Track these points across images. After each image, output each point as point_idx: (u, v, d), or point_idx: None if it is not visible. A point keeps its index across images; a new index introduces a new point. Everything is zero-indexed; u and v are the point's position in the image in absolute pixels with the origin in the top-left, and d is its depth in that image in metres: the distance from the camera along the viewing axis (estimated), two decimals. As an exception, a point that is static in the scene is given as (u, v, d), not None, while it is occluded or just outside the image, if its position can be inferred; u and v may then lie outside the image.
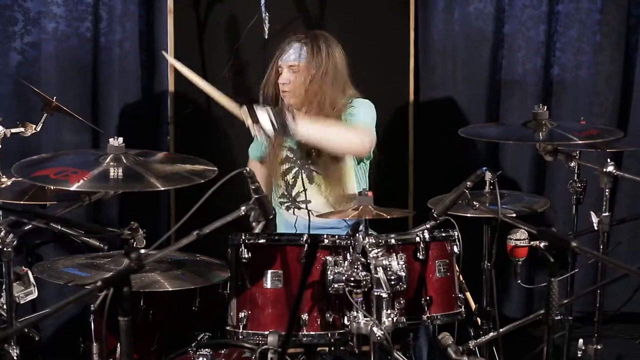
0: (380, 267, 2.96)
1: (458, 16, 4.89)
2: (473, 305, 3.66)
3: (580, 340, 3.37)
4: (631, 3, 4.93)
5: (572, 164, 3.51)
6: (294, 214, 3.86)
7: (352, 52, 3.94)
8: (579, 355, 3.37)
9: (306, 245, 3.06)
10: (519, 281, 3.51)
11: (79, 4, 4.53)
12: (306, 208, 3.82)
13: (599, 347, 3.28)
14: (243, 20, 4.54)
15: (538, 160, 4.96)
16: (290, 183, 3.87)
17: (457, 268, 3.31)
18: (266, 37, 4.31)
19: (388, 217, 3.11)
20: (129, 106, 4.64)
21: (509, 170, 4.94)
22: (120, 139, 2.99)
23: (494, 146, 4.82)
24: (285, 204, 3.89)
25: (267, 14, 4.30)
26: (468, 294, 3.65)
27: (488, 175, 3.36)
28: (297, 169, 3.86)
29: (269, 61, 4.32)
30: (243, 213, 2.93)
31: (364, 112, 3.80)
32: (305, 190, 3.82)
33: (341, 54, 3.84)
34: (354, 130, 3.69)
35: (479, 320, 3.63)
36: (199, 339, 3.29)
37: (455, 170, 4.86)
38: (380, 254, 2.99)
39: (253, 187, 2.93)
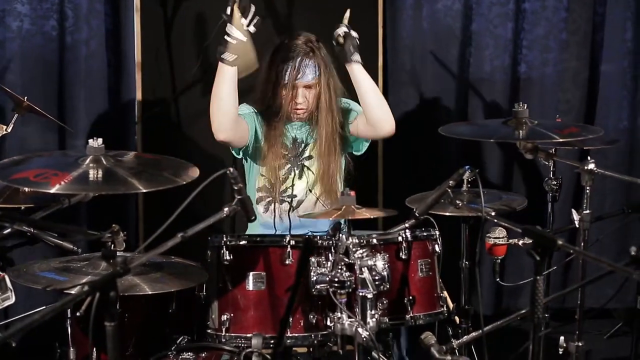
0: (366, 268, 2.95)
1: (426, 13, 4.88)
2: (451, 304, 3.67)
3: (562, 338, 3.39)
4: (596, 1, 4.96)
5: (551, 162, 3.52)
6: (273, 211, 3.81)
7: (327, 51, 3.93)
8: (560, 352, 3.39)
9: (291, 246, 3.03)
10: (497, 279, 3.52)
11: (43, 2, 4.46)
12: (290, 202, 3.80)
13: (580, 344, 3.30)
14: (211, 19, 4.47)
15: (509, 158, 5.00)
16: (280, 179, 3.83)
17: (437, 267, 3.32)
18: (237, 35, 4.27)
19: (371, 217, 3.09)
20: (95, 106, 4.58)
21: (481, 168, 4.94)
22: (100, 140, 2.93)
23: (465, 144, 4.83)
24: (266, 199, 3.84)
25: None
26: (446, 293, 3.66)
27: (466, 174, 3.34)
28: (289, 165, 3.84)
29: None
30: (226, 214, 2.89)
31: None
32: (293, 185, 3.80)
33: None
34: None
35: (457, 319, 3.63)
36: (178, 342, 3.24)
37: (425, 168, 4.89)
38: (365, 254, 2.97)
39: (236, 188, 2.90)
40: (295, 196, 3.82)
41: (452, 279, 3.65)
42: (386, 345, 3.45)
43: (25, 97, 3.63)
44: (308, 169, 3.83)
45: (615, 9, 4.94)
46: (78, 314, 2.60)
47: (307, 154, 3.84)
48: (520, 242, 3.42)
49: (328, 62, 3.79)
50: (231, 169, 2.88)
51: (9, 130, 3.55)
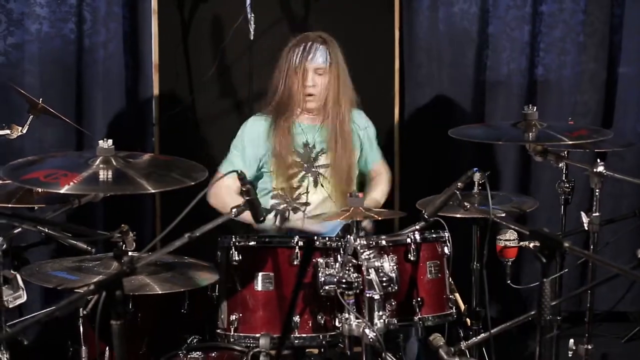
0: (373, 269, 2.95)
1: (443, 16, 4.89)
2: (462, 306, 3.66)
3: (571, 341, 3.38)
4: (614, 4, 4.94)
5: (561, 165, 3.51)
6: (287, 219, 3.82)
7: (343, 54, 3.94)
8: (570, 355, 3.38)
9: (299, 246, 3.05)
10: (508, 282, 3.52)
11: (62, 5, 4.50)
12: (303, 211, 3.79)
13: (589, 347, 3.29)
14: (228, 21, 4.53)
15: (523, 161, 4.98)
16: (295, 187, 3.84)
17: (446, 269, 3.31)
18: (252, 37, 4.31)
19: (379, 218, 3.10)
20: (113, 107, 4.62)
21: (495, 170, 4.95)
22: (110, 141, 2.95)
23: (480, 146, 4.82)
24: (278, 206, 3.85)
25: (252, 15, 4.29)
26: (457, 295, 3.66)
27: (476, 176, 3.34)
28: (303, 172, 3.84)
29: (254, 62, 4.35)
30: (234, 215, 2.92)
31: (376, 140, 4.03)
32: (307, 192, 3.81)
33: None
34: (387, 181, 4.04)
35: (468, 321, 3.62)
36: (188, 341, 3.27)
37: (440, 170, 4.90)
38: (372, 255, 2.98)
39: (244, 189, 2.92)
40: (309, 204, 3.81)
41: (464, 281, 3.65)
42: (396, 347, 3.45)
43: (40, 99, 3.67)
44: (324, 176, 3.83)
45: (633, 10, 4.92)
46: (84, 312, 2.63)
47: (322, 161, 3.84)
48: (531, 245, 3.39)
49: (340, 59, 3.80)
50: (239, 170, 2.91)
51: (24, 132, 3.59)
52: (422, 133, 4.89)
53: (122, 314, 2.53)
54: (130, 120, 4.67)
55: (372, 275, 2.94)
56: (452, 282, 3.61)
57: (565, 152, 3.65)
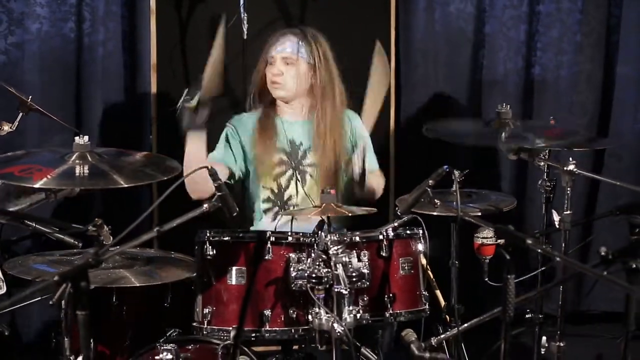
0: (340, 264, 2.99)
1: (439, 16, 4.92)
2: (443, 303, 3.70)
3: (544, 338, 3.41)
4: (611, 3, 4.96)
5: (543, 164, 3.52)
6: (276, 219, 3.82)
7: (332, 52, 3.95)
8: (542, 352, 3.40)
9: (270, 242, 3.10)
10: (486, 279, 3.54)
11: (62, 5, 4.59)
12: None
13: (561, 344, 3.31)
14: (225, 21, 4.56)
15: (521, 161, 4.97)
16: (283, 186, 3.86)
17: (423, 265, 3.33)
18: (245, 37, 4.37)
19: (350, 214, 3.14)
20: (112, 106, 4.70)
21: (495, 171, 4.96)
22: (86, 137, 3.03)
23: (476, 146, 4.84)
24: (272, 210, 3.87)
25: (245, 14, 4.35)
26: (438, 292, 3.69)
27: (456, 174, 3.38)
28: (291, 171, 3.87)
29: (249, 60, 4.39)
30: (206, 210, 2.97)
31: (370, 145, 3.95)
32: (297, 193, 3.83)
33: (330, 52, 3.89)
34: (379, 184, 4.00)
35: (447, 317, 3.66)
36: (167, 334, 3.34)
37: (436, 169, 4.89)
38: (340, 250, 3.01)
39: (216, 185, 2.97)
40: (297, 204, 3.83)
41: (444, 278, 3.69)
42: (375, 342, 3.49)
43: (29, 97, 3.76)
44: (311, 176, 3.85)
45: (631, 10, 4.93)
46: (50, 303, 2.69)
47: (309, 159, 3.86)
48: (498, 242, 3.43)
49: (322, 55, 3.82)
50: (209, 166, 2.97)
51: (13, 128, 3.68)
52: (418, 132, 4.90)
53: (88, 304, 2.60)
54: (128, 119, 4.74)
55: (340, 271, 2.97)
56: (433, 279, 3.65)
57: (547, 151, 3.66)
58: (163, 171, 3.02)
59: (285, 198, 3.85)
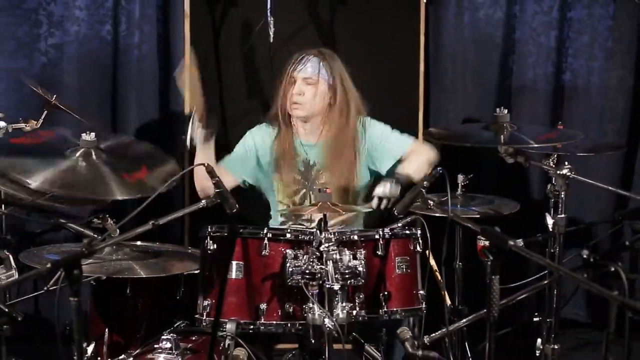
0: (330, 261, 3.07)
1: (468, 21, 4.95)
2: (449, 303, 3.75)
3: (539, 340, 3.42)
4: (643, 10, 4.93)
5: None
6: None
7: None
8: (537, 354, 3.42)
9: (268, 238, 3.19)
10: (488, 281, 3.56)
11: (100, 8, 4.75)
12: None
13: (556, 346, 3.32)
14: (256, 25, 4.67)
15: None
16: (298, 203, 3.96)
17: (431, 266, 3.39)
18: (271, 40, 4.46)
19: (343, 213, 3.22)
20: (146, 107, 4.85)
21: (523, 176, 4.98)
22: (93, 134, 3.16)
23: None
24: (288, 224, 3.98)
25: (272, 19, 4.44)
26: (445, 293, 3.73)
27: (460, 178, 3.43)
28: (305, 190, 3.97)
29: (275, 66, 4.48)
30: (203, 206, 3.09)
31: (396, 134, 3.97)
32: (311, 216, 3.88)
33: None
34: (421, 155, 3.89)
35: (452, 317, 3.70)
36: (175, 326, 3.46)
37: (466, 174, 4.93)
38: (330, 248, 3.10)
39: (213, 182, 3.09)
40: (314, 221, 3.83)
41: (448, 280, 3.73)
42: (378, 340, 3.55)
43: (54, 97, 3.92)
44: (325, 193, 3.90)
45: (663, 17, 4.89)
46: (45, 288, 2.83)
47: (322, 180, 3.94)
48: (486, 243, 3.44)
49: (339, 75, 3.90)
50: (206, 163, 3.09)
51: (38, 126, 3.85)
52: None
53: (79, 291, 2.72)
54: (162, 119, 4.88)
55: (329, 267, 3.06)
56: (440, 279, 3.70)
57: (556, 156, 3.68)
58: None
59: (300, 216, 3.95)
